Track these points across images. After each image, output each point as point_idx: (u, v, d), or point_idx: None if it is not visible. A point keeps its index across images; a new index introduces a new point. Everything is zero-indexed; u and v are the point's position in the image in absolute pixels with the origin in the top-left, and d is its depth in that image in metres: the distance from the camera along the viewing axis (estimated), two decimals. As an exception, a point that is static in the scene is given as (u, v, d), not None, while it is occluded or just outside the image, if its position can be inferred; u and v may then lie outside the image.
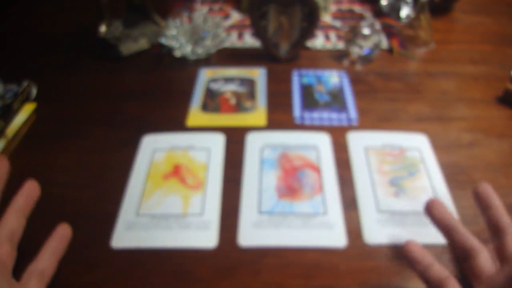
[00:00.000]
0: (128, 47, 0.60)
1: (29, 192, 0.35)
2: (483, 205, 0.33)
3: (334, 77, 0.57)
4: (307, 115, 0.50)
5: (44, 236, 0.35)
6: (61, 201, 0.41)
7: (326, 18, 0.70)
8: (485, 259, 0.30)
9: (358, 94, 0.53)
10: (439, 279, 0.31)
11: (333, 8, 0.73)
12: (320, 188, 0.41)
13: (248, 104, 0.52)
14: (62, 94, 0.55)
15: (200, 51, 0.59)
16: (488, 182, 0.42)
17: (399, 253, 0.36)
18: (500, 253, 0.30)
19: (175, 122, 0.50)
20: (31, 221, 0.39)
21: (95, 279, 0.34)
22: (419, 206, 0.40)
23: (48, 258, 0.32)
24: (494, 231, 0.32)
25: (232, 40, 0.65)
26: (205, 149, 0.46)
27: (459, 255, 0.32)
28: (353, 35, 0.58)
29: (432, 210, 0.34)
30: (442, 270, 0.31)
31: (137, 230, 0.38)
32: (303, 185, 0.42)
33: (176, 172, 0.43)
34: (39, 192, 0.35)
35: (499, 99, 0.52)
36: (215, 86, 0.55)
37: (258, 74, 0.57)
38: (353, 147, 0.46)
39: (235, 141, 0.47)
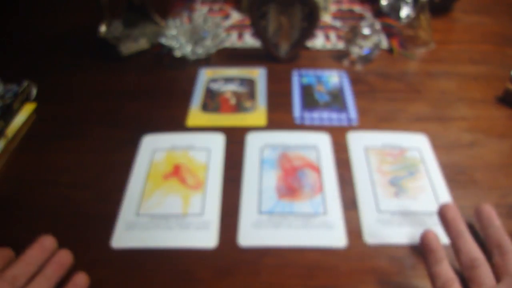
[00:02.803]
0: (128, 47, 0.60)
1: (61, 260, 0.34)
2: (485, 223, 0.34)
3: (334, 77, 0.57)
4: (307, 115, 0.50)
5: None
6: (61, 201, 0.41)
7: (326, 18, 0.70)
8: (487, 272, 0.31)
9: (358, 94, 0.53)
10: (446, 278, 0.31)
11: (333, 8, 0.73)
12: (320, 188, 0.41)
13: (248, 104, 0.52)
14: (62, 94, 0.55)
15: (200, 51, 0.59)
16: (488, 182, 0.42)
17: (400, 253, 0.36)
18: (500, 270, 0.31)
19: (175, 122, 0.50)
20: (31, 221, 0.39)
21: (95, 279, 0.34)
22: (419, 206, 0.40)
23: (44, 284, 0.32)
24: (495, 248, 0.32)
25: (232, 40, 0.65)
26: (205, 149, 0.46)
27: (463, 262, 0.32)
28: (353, 35, 0.57)
29: (446, 213, 0.34)
30: (450, 269, 0.32)
31: (137, 230, 0.38)
32: (303, 185, 0.42)
33: (176, 172, 0.43)
34: (72, 260, 0.34)
35: (499, 99, 0.52)
36: (215, 86, 0.55)
37: (258, 74, 0.57)
38: (353, 147, 0.46)
39: (235, 141, 0.47)
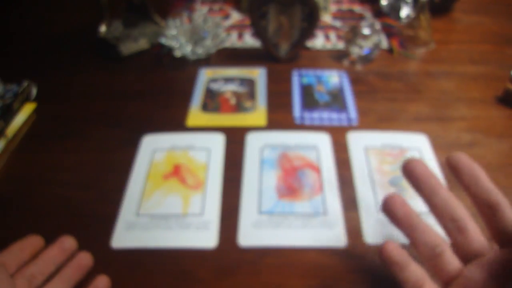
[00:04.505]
0: (128, 47, 0.60)
1: (81, 263, 0.34)
2: (427, 192, 0.31)
3: (334, 77, 0.57)
4: (307, 115, 0.50)
5: (43, 236, 0.35)
6: (61, 201, 0.41)
7: (326, 18, 0.70)
8: (450, 257, 0.29)
9: (358, 94, 0.53)
10: (416, 278, 0.30)
11: (333, 8, 0.73)
12: (320, 188, 0.41)
13: (248, 104, 0.52)
14: (62, 94, 0.55)
15: (200, 51, 0.59)
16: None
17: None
18: (462, 249, 0.29)
19: (175, 122, 0.50)
20: (31, 221, 0.39)
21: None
22: (419, 206, 0.40)
23: (61, 285, 0.32)
24: (449, 222, 0.30)
25: (232, 40, 0.65)
26: (205, 149, 0.46)
27: (423, 255, 0.30)
28: (353, 35, 0.58)
29: (395, 209, 0.31)
30: (418, 269, 0.30)
31: (137, 230, 0.38)
32: (303, 185, 0.42)
33: (176, 172, 0.43)
34: (92, 263, 0.35)
35: (498, 99, 0.52)
36: (215, 86, 0.55)
37: (258, 74, 0.57)
38: (353, 147, 0.46)
39: (235, 141, 0.47)
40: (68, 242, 0.35)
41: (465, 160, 0.31)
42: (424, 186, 0.31)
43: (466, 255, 0.30)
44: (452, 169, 0.31)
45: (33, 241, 0.34)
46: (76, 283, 0.33)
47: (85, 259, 0.34)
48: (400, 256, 0.31)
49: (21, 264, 0.32)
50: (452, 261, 0.29)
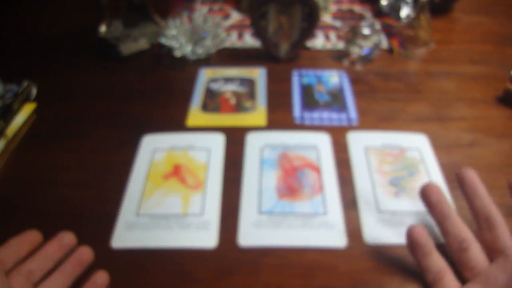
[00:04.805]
0: (128, 47, 0.60)
1: (81, 257, 0.34)
2: (469, 193, 0.33)
3: (334, 77, 0.57)
4: (307, 115, 0.50)
5: (43, 236, 0.35)
6: (61, 201, 0.41)
7: (326, 18, 0.70)
8: (478, 252, 0.30)
9: (358, 94, 0.53)
10: (438, 268, 0.31)
11: (333, 8, 0.73)
12: (320, 188, 0.41)
13: (248, 104, 0.52)
14: (62, 94, 0.55)
15: (200, 51, 0.59)
16: (488, 182, 0.42)
17: (400, 253, 0.36)
18: (490, 246, 0.30)
19: (175, 122, 0.50)
20: (31, 221, 0.39)
21: (95, 279, 0.34)
22: (419, 206, 0.40)
23: (62, 279, 0.32)
24: (483, 222, 0.31)
25: (232, 40, 0.65)
26: (205, 149, 0.46)
27: (451, 245, 0.31)
28: (353, 35, 0.58)
29: (429, 195, 0.33)
30: (440, 259, 0.31)
31: (137, 230, 0.38)
32: (303, 185, 0.42)
33: (176, 172, 0.43)
34: (92, 257, 0.34)
35: (499, 99, 0.52)
36: (215, 86, 0.55)
37: (258, 74, 0.57)
38: (353, 147, 0.46)
39: (235, 141, 0.47)
40: (67, 238, 0.35)
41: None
42: (468, 191, 0.34)
43: (492, 253, 0.30)
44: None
45: (31, 237, 0.34)
46: (77, 278, 0.33)
47: (85, 253, 0.34)
48: (426, 241, 0.32)
49: (18, 260, 0.32)
50: (477, 258, 0.30)
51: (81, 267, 0.33)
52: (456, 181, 0.34)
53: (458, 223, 0.32)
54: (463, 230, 0.31)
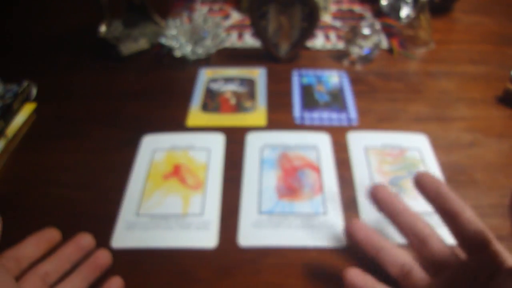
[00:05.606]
0: (128, 47, 0.60)
1: (98, 261, 0.33)
2: (391, 210, 0.32)
3: (334, 77, 0.57)
4: (307, 115, 0.50)
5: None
6: (61, 201, 0.41)
7: (326, 18, 0.70)
8: (419, 272, 0.30)
9: (358, 94, 0.53)
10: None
11: (333, 8, 0.73)
12: (320, 188, 0.41)
13: (248, 104, 0.52)
14: (62, 94, 0.55)
15: (200, 51, 0.59)
16: (488, 182, 0.42)
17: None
18: (429, 260, 0.30)
19: (175, 122, 0.50)
20: (30, 221, 0.39)
21: (95, 279, 0.34)
22: (419, 206, 0.40)
23: (78, 282, 0.32)
24: (411, 236, 0.31)
25: (232, 40, 0.65)
26: (205, 149, 0.46)
27: (393, 274, 0.31)
28: (353, 35, 0.58)
29: (355, 234, 0.33)
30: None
31: (137, 230, 0.38)
32: (303, 185, 0.42)
33: (176, 172, 0.43)
34: (110, 261, 0.34)
35: (499, 99, 0.52)
36: (215, 86, 0.55)
37: (258, 74, 0.57)
38: (353, 147, 0.46)
39: (235, 141, 0.47)
40: (85, 239, 0.34)
41: (427, 175, 0.32)
42: (387, 208, 0.32)
43: (432, 268, 0.30)
44: (416, 185, 0.32)
45: (50, 235, 0.34)
46: (93, 281, 0.33)
47: (103, 257, 0.34)
48: (364, 281, 0.31)
49: (34, 259, 0.32)
50: (421, 277, 0.30)
51: (98, 271, 0.33)
52: (371, 200, 0.33)
53: (393, 249, 0.31)
54: (400, 255, 0.31)
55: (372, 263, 0.35)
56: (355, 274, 0.31)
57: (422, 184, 0.31)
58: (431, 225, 0.31)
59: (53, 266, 0.32)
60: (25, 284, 0.30)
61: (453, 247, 0.30)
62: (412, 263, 0.31)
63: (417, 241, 0.31)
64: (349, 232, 0.33)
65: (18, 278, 0.31)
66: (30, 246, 0.33)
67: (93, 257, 0.34)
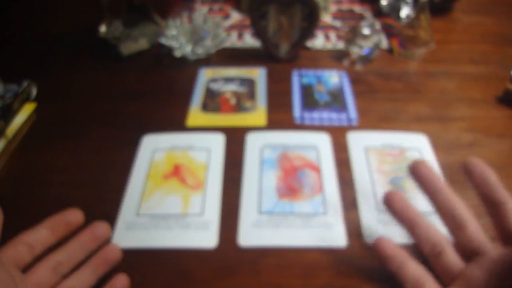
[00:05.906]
0: (128, 47, 0.61)
1: (110, 256, 0.33)
2: (428, 190, 0.32)
3: (334, 77, 0.57)
4: (307, 115, 0.50)
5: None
6: (61, 201, 0.41)
7: (326, 18, 0.70)
8: (452, 255, 0.29)
9: (358, 94, 0.53)
10: (416, 277, 0.29)
11: (333, 8, 0.73)
12: (320, 188, 0.41)
13: (248, 104, 0.52)
14: (62, 94, 0.55)
15: (200, 51, 0.59)
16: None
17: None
18: (464, 245, 0.30)
19: (175, 122, 0.50)
20: (30, 221, 0.39)
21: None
22: (419, 206, 0.40)
23: (87, 276, 0.31)
24: (450, 221, 0.30)
25: (232, 40, 0.65)
26: (205, 149, 0.46)
27: (424, 251, 0.31)
28: (353, 35, 0.58)
29: (391, 204, 0.32)
30: (417, 267, 0.30)
31: (137, 230, 0.38)
32: (303, 185, 0.42)
33: (176, 172, 0.43)
34: (120, 257, 0.34)
35: (499, 99, 0.52)
36: (215, 86, 0.55)
37: (258, 74, 0.57)
38: (353, 147, 0.46)
39: (235, 141, 0.47)
40: (101, 228, 0.34)
41: (478, 162, 0.31)
42: (427, 185, 0.32)
43: (466, 253, 0.30)
44: (465, 171, 0.31)
45: (71, 217, 0.33)
46: (102, 276, 0.32)
47: (113, 252, 0.33)
48: (395, 251, 0.31)
49: (49, 245, 0.31)
50: (454, 260, 0.29)
51: (108, 266, 0.33)
52: (412, 177, 0.32)
53: (428, 227, 0.31)
54: (433, 234, 0.30)
55: (372, 264, 0.35)
56: (388, 245, 0.31)
57: (472, 173, 0.30)
58: (469, 211, 0.31)
59: (66, 255, 0.31)
60: (35, 275, 0.30)
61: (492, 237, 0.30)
62: (445, 244, 0.30)
63: (454, 224, 0.30)
64: (388, 201, 0.32)
65: (30, 266, 0.30)
66: (46, 231, 0.32)
67: (104, 251, 0.33)
